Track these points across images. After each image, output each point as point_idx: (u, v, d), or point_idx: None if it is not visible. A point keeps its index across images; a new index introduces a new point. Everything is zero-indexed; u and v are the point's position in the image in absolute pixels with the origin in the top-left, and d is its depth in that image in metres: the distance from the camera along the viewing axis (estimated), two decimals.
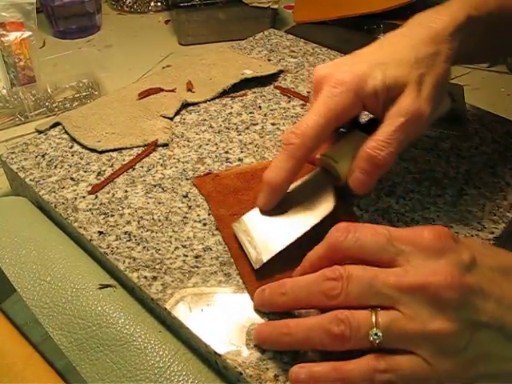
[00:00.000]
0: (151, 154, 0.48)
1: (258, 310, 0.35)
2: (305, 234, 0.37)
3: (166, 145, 0.49)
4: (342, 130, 0.42)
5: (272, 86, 0.58)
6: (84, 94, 0.67)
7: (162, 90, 0.56)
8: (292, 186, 0.40)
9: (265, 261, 0.36)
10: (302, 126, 0.37)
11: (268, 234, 0.38)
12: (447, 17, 0.40)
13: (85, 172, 0.46)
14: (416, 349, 0.29)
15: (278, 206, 0.39)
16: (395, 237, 0.31)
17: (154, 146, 0.49)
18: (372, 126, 0.39)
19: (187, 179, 0.45)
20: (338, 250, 0.31)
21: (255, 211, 0.40)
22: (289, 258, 0.36)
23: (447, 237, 0.30)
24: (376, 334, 0.29)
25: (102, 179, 0.45)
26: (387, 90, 0.37)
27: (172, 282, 0.37)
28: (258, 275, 0.37)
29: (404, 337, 0.29)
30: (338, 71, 0.38)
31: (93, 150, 0.49)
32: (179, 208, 0.43)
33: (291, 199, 0.40)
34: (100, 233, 0.40)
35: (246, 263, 0.37)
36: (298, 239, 0.37)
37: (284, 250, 0.37)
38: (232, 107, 0.55)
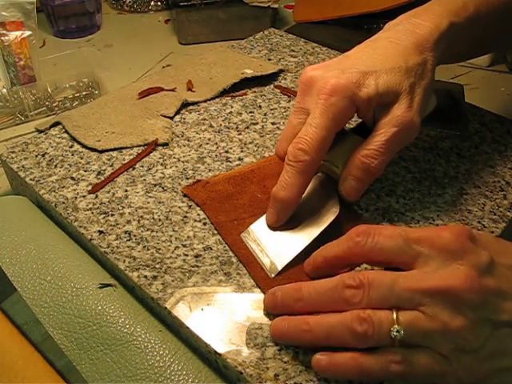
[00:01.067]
0: (151, 154, 0.48)
1: (268, 313, 0.35)
2: (314, 239, 0.38)
3: (166, 144, 0.49)
4: None
5: (272, 86, 0.58)
6: (84, 93, 0.67)
7: (162, 89, 0.56)
8: None
9: (280, 269, 0.37)
10: (306, 141, 0.37)
11: (278, 242, 0.39)
12: (431, 23, 0.41)
13: (85, 171, 0.46)
14: (436, 346, 0.30)
15: None
16: (413, 238, 0.31)
17: (154, 146, 0.49)
18: (362, 127, 0.41)
19: (187, 179, 0.45)
20: (359, 253, 0.32)
21: (262, 220, 0.40)
22: (301, 261, 0.37)
23: (465, 237, 0.30)
24: (397, 331, 0.29)
25: (102, 178, 0.45)
26: (380, 97, 0.38)
27: (172, 281, 0.37)
28: (273, 280, 0.37)
29: (425, 335, 0.29)
30: (330, 76, 0.39)
31: (93, 150, 0.49)
32: (179, 207, 0.43)
33: (298, 206, 0.40)
34: (100, 232, 0.40)
35: (258, 269, 0.38)
36: (309, 245, 0.38)
37: (296, 256, 0.38)
38: (232, 106, 0.55)
